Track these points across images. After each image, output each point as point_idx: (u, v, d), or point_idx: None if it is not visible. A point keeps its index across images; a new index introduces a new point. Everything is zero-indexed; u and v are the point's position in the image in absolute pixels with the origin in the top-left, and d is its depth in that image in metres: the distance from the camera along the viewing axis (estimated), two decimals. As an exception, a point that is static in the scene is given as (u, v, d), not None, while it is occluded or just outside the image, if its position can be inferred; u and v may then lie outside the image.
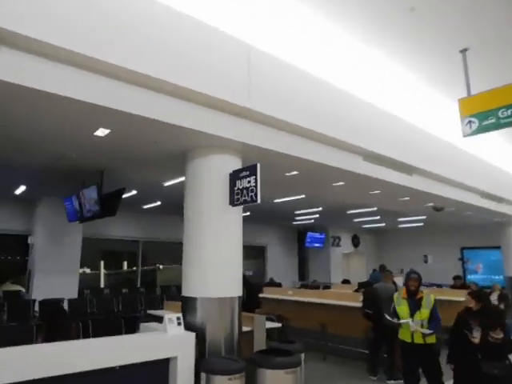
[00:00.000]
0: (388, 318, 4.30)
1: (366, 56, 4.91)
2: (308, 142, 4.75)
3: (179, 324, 3.63)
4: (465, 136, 4.78)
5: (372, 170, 5.75)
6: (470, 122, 4.73)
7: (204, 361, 3.54)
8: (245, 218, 14.23)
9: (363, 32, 4.48)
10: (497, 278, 13.39)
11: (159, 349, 3.44)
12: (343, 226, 16.47)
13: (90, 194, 6.79)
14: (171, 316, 3.62)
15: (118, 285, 12.10)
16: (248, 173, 3.86)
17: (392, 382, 5.15)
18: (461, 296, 7.68)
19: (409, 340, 4.07)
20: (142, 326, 4.21)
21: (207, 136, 3.89)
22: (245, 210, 12.72)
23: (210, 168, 4.26)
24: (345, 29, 4.41)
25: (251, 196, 3.78)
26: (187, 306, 4.14)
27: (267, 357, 3.57)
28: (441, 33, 4.54)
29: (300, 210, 11.73)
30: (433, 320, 3.98)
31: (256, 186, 3.73)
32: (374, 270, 13.23)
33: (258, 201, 3.71)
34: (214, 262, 4.07)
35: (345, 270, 16.81)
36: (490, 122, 4.57)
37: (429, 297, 4.15)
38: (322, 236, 16.28)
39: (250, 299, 6.59)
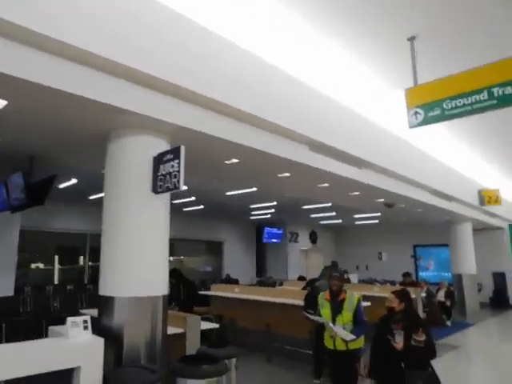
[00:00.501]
0: (306, 313, 3.93)
1: (313, 40, 4.58)
2: (247, 128, 4.37)
3: (86, 328, 3.14)
4: (411, 127, 4.59)
5: (319, 162, 5.47)
6: (416, 112, 4.54)
7: (112, 372, 3.08)
8: (199, 212, 13.88)
9: (310, 14, 4.15)
10: (446, 274, 13.71)
11: (57, 358, 2.94)
12: (301, 222, 16.37)
13: (16, 180, 6.14)
14: (76, 318, 3.13)
15: (70, 281, 11.47)
16: (172, 156, 3.43)
17: None
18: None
19: (331, 347, 3.69)
20: (51, 329, 3.67)
21: (128, 114, 3.40)
22: (198, 203, 12.35)
23: (133, 150, 3.77)
24: (291, 9, 4.05)
25: (174, 182, 3.35)
26: (104, 306, 3.66)
27: (187, 365, 3.18)
28: (389, 19, 4.31)
29: (255, 204, 11.44)
30: (357, 323, 3.61)
31: (179, 171, 3.30)
32: (326, 268, 13.13)
33: (181, 188, 3.30)
34: (135, 257, 3.60)
35: (302, 267, 16.72)
36: (435, 113, 4.39)
37: (352, 298, 3.74)
38: (280, 231, 16.12)
39: (189, 298, 6.16)
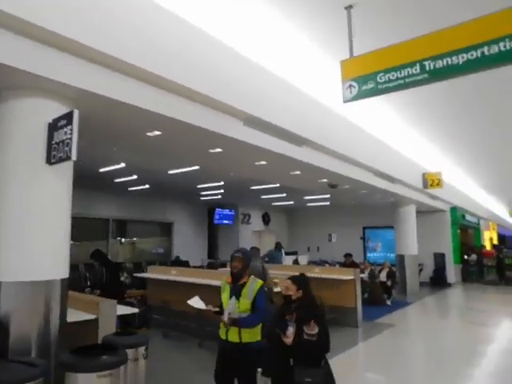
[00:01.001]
0: (191, 302, 3.45)
1: (249, 9, 4.18)
2: (167, 96, 3.94)
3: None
4: (345, 101, 4.35)
5: (254, 138, 5.16)
6: (350, 86, 4.30)
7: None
8: (147, 192, 13.24)
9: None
10: (392, 255, 14.10)
11: None
12: (253, 204, 16.19)
13: None
14: None
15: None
16: (65, 122, 2.97)
17: None
18: (348, 274, 7.66)
19: (223, 336, 3.19)
20: None
21: (17, 72, 2.89)
22: (142, 183, 11.72)
23: (25, 115, 3.25)
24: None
25: (66, 151, 2.91)
26: (-11, 293, 3.20)
27: (76, 357, 2.82)
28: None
29: (202, 184, 11.04)
30: (255, 311, 3.14)
31: (71, 139, 2.86)
32: (252, 248, 13.01)
33: (73, 157, 2.86)
34: (24, 237, 3.15)
35: (255, 248, 16.65)
36: (369, 86, 4.17)
37: (253, 283, 3.22)
38: (232, 213, 15.87)
39: (112, 282, 5.74)
